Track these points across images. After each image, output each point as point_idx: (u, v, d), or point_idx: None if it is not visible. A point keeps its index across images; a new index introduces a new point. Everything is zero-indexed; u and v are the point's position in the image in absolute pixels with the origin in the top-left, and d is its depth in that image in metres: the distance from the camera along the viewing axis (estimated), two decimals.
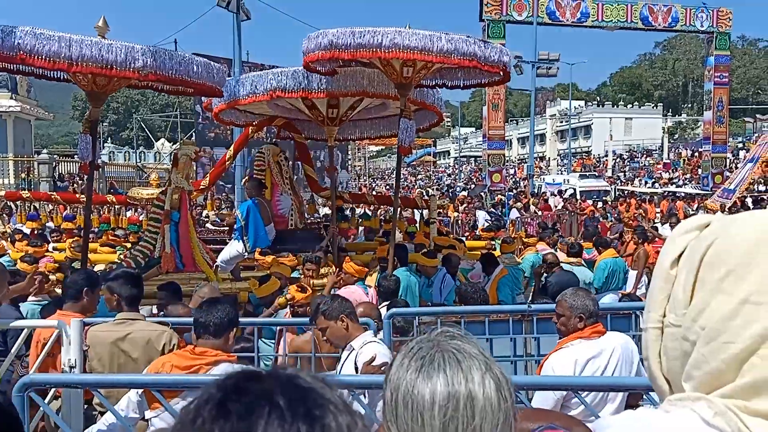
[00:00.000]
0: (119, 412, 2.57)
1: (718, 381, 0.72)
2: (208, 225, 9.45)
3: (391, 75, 5.54)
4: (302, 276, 5.70)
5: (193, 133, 19.96)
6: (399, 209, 7.07)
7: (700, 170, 27.21)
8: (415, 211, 8.76)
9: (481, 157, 31.96)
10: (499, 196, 20.43)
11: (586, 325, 2.90)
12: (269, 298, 4.93)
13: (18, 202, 8.34)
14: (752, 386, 0.69)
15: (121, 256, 5.74)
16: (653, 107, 56.00)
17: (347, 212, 8.48)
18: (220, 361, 2.65)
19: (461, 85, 6.43)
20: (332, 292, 5.33)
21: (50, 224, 8.20)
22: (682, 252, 0.79)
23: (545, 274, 6.81)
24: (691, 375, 0.75)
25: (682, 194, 22.21)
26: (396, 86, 5.70)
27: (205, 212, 11.26)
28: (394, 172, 8.62)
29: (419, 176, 48.52)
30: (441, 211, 10.49)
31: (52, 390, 3.08)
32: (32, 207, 8.11)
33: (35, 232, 7.95)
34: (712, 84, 24.78)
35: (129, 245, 7.15)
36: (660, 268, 0.81)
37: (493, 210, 17.02)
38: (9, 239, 7.73)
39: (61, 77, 5.33)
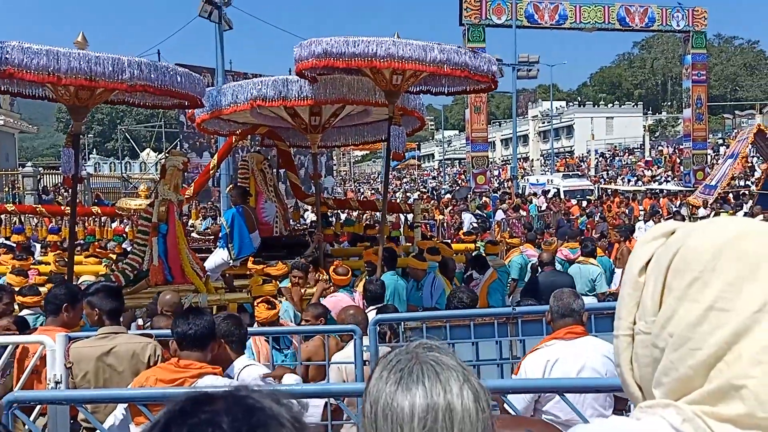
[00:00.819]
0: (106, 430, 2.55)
1: (686, 387, 0.73)
2: (194, 234, 9.40)
3: (381, 83, 5.62)
4: (290, 284, 5.69)
5: (178, 143, 19.83)
6: (386, 214, 7.10)
7: (681, 167, 27.60)
8: (400, 215, 8.80)
9: (465, 159, 32.14)
10: (485, 198, 20.55)
11: (556, 323, 2.90)
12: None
13: (2, 216, 8.25)
14: (718, 392, 0.70)
15: (111, 269, 5.69)
16: (633, 106, 56.66)
17: (331, 218, 8.49)
18: (204, 374, 2.64)
19: (446, 92, 6.53)
20: (320, 300, 5.34)
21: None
22: (650, 259, 0.80)
23: (537, 271, 6.86)
24: (661, 381, 0.76)
25: (665, 191, 22.51)
26: (385, 94, 5.78)
27: (190, 221, 11.18)
28: (380, 176, 8.59)
29: (404, 180, 48.62)
30: (426, 214, 10.50)
31: (38, 407, 3.05)
32: (17, 220, 8.02)
33: (21, 245, 7.86)
34: (690, 82, 25.22)
35: (114, 257, 7.09)
36: (629, 275, 0.82)
37: (479, 212, 17.11)
38: None
39: (41, 95, 5.30)
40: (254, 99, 6.07)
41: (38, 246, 9.16)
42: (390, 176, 7.55)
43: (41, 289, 4.99)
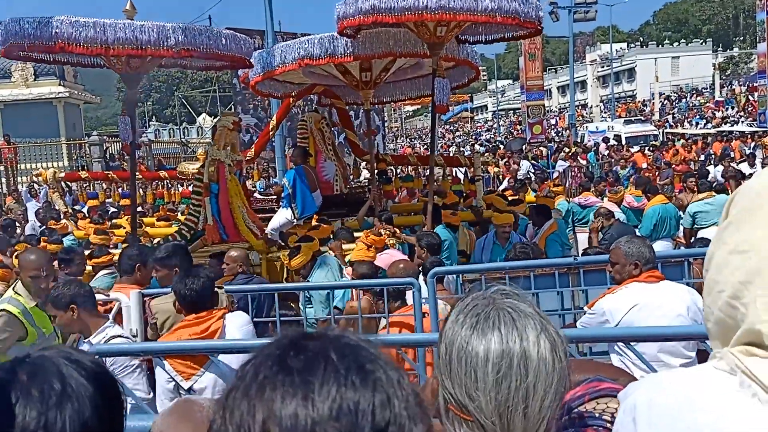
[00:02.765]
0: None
1: (727, 334, 0.74)
2: (256, 194, 9.67)
3: (424, 35, 5.49)
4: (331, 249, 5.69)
5: (232, 107, 20.21)
6: (433, 169, 7.02)
7: (757, 106, 25.71)
8: (457, 169, 8.70)
9: (520, 109, 31.06)
10: (541, 148, 19.96)
11: (642, 272, 2.85)
12: (307, 268, 4.82)
13: (74, 183, 8.76)
14: (746, 334, 0.72)
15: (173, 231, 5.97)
16: (702, 43, 52.68)
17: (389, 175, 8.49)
18: (224, 314, 2.84)
19: (483, 40, 6.36)
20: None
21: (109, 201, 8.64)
22: None
23: (603, 227, 6.67)
24: (710, 330, 0.78)
25: (737, 133, 21.13)
26: (428, 46, 5.64)
27: (249, 182, 11.46)
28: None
29: (457, 133, 47.76)
30: (485, 167, 10.33)
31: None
32: (91, 186, 8.51)
33: (96, 210, 8.35)
34: (764, 14, 23.09)
35: (182, 218, 7.43)
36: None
37: (535, 162, 16.65)
38: (71, 219, 8.14)
39: (95, 63, 5.50)
40: (302, 58, 6.07)
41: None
42: (441, 130, 7.43)
43: (114, 250, 5.28)
